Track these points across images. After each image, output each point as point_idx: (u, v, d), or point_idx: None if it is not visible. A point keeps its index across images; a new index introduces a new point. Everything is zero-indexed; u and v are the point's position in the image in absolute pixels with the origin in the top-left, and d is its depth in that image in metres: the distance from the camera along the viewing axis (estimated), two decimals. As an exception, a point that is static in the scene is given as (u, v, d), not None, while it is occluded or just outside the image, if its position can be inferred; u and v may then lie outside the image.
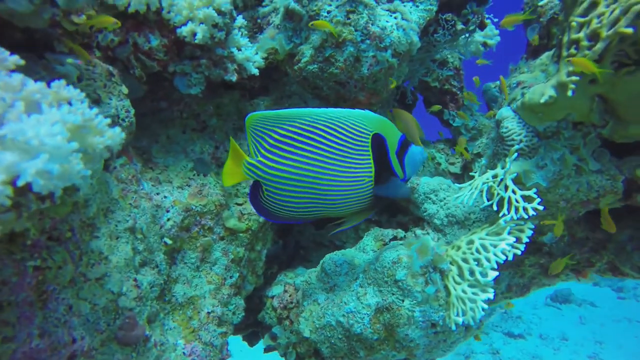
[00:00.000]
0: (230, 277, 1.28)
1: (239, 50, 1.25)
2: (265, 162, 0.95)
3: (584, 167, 1.08)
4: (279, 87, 1.47)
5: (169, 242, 1.10)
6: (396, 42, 1.23)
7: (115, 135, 0.66)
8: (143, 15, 1.08)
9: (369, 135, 0.95)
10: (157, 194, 1.14)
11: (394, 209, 1.62)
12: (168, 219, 1.11)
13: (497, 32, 1.90)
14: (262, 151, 0.96)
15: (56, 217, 0.74)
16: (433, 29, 1.45)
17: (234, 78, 1.23)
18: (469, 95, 1.58)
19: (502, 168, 1.12)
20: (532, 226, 1.11)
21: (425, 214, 1.35)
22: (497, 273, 1.01)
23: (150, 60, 1.12)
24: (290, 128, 0.93)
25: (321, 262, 1.35)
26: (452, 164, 1.83)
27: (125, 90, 1.04)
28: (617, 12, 0.89)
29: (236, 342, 1.65)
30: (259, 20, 1.44)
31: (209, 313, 1.14)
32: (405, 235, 1.37)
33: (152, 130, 1.35)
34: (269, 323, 1.42)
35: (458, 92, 1.91)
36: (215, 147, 1.42)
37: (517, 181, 1.12)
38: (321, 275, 1.32)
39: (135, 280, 0.92)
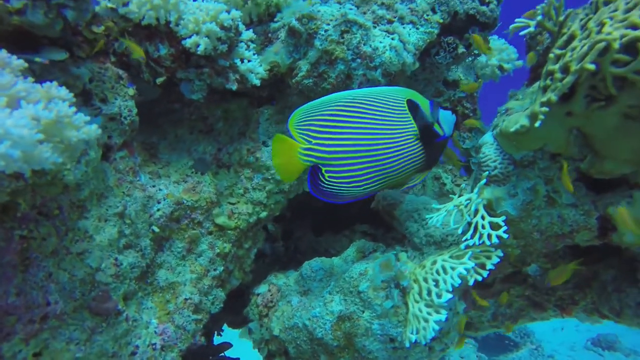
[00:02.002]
0: (214, 270, 1.38)
1: (242, 61, 1.36)
2: (322, 142, 1.02)
3: (557, 200, 1.07)
4: (283, 97, 1.57)
5: (157, 230, 1.21)
6: (387, 62, 1.28)
7: (91, 131, 0.78)
8: (155, 27, 1.22)
9: (403, 101, 1.04)
10: (153, 186, 1.27)
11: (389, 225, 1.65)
12: (158, 210, 1.23)
13: (515, 56, 1.88)
14: (315, 134, 1.02)
15: (47, 195, 0.88)
16: (435, 51, 1.48)
17: (234, 87, 1.34)
18: (471, 121, 1.58)
19: (476, 193, 1.13)
20: (501, 254, 1.10)
21: (406, 231, 1.38)
22: (451, 295, 1.02)
23: (158, 67, 1.26)
24: (332, 111, 1.01)
25: (301, 266, 1.41)
26: (459, 185, 1.83)
27: (131, 92, 1.19)
28: (585, 47, 0.89)
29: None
30: (270, 35, 1.54)
31: (186, 299, 1.25)
32: (384, 250, 1.40)
33: (163, 129, 1.50)
34: (251, 318, 1.51)
35: (471, 114, 1.90)
36: (218, 149, 1.53)
37: (488, 207, 1.12)
38: (298, 278, 1.39)
39: (115, 259, 1.05)
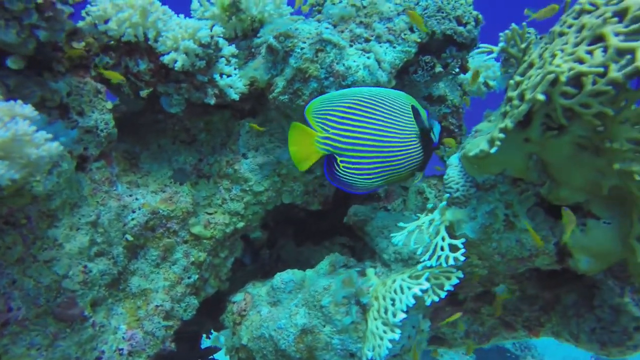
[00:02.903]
0: (189, 278, 1.41)
1: (222, 76, 1.40)
2: (338, 132, 1.07)
3: (516, 224, 1.08)
4: (264, 111, 1.60)
5: (130, 238, 1.26)
6: (360, 81, 1.30)
7: (52, 148, 0.83)
8: (135, 43, 1.26)
9: (409, 105, 1.11)
10: (130, 195, 1.32)
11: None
12: (132, 219, 1.28)
13: (500, 73, 1.89)
14: (332, 124, 1.08)
15: (13, 206, 0.93)
16: (414, 69, 1.50)
17: (212, 101, 1.38)
18: (448, 140, 1.59)
19: (439, 214, 1.15)
20: (461, 275, 1.12)
21: (376, 247, 1.39)
22: (405, 315, 1.04)
23: (138, 81, 1.31)
24: (348, 104, 1.07)
25: (273, 277, 1.44)
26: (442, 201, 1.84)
27: (109, 105, 1.23)
28: (538, 77, 0.91)
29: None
30: (252, 50, 1.58)
31: (157, 306, 1.29)
32: (354, 265, 1.42)
33: (147, 139, 1.55)
34: (226, 326, 1.54)
35: (456, 130, 1.91)
36: (200, 159, 1.58)
37: (450, 229, 1.14)
38: (270, 289, 1.42)
39: (85, 267, 1.09)
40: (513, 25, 1.10)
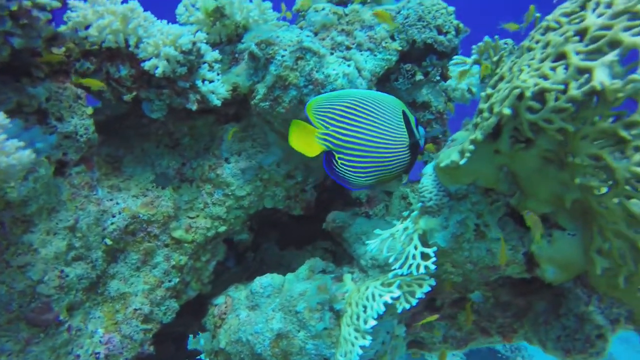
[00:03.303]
0: (169, 281, 1.43)
1: (204, 82, 1.42)
2: (337, 130, 1.12)
3: (487, 234, 1.10)
4: (248, 116, 1.62)
5: (109, 242, 1.27)
6: (339, 89, 1.32)
7: (23, 157, 0.84)
8: (116, 49, 1.27)
9: (400, 111, 1.17)
10: (111, 199, 1.33)
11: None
12: (112, 223, 1.29)
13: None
14: (332, 122, 1.12)
15: (-13, 212, 0.94)
16: (395, 77, 1.52)
17: (194, 107, 1.40)
18: (428, 146, 1.61)
19: (412, 222, 1.17)
20: (433, 282, 1.14)
21: (354, 253, 1.41)
22: (375, 322, 1.06)
23: (120, 87, 1.32)
24: (348, 104, 1.12)
25: (253, 281, 1.46)
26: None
27: (89, 111, 1.25)
28: (506, 91, 0.92)
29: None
30: (236, 55, 1.59)
31: (136, 310, 1.30)
32: (332, 270, 1.44)
33: (130, 142, 1.56)
34: (208, 328, 1.56)
35: (440, 136, 1.93)
36: (183, 163, 1.59)
37: (423, 237, 1.16)
38: (248, 293, 1.43)
39: (61, 272, 1.10)
40: (486, 38, 1.11)
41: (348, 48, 1.42)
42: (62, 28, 1.24)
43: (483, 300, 1.36)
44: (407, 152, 1.18)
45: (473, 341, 1.57)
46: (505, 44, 1.32)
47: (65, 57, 1.22)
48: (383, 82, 1.52)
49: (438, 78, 1.55)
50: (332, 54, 1.40)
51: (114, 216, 1.30)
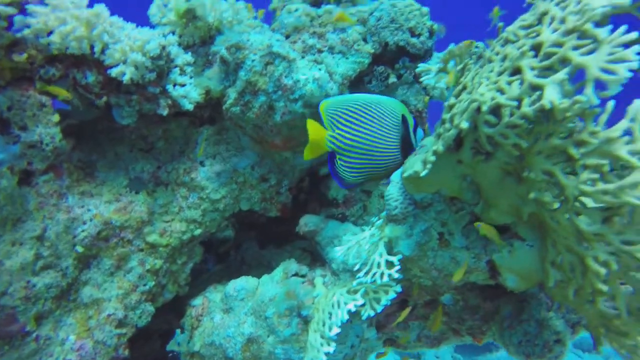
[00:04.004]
0: (144, 285, 1.44)
1: (175, 87, 1.40)
2: (341, 133, 1.20)
3: (450, 242, 1.11)
4: (221, 119, 1.61)
5: (80, 249, 1.28)
6: (308, 94, 1.31)
7: (-22, 175, 0.83)
8: (81, 55, 1.26)
9: (399, 114, 1.25)
10: (82, 206, 1.33)
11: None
12: (83, 230, 1.29)
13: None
14: (338, 124, 1.20)
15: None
16: (369, 79, 1.51)
17: (165, 112, 1.39)
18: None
19: (378, 230, 1.18)
20: (399, 289, 1.15)
21: (327, 257, 1.43)
22: (339, 330, 1.08)
23: (87, 93, 1.30)
24: (354, 108, 1.20)
25: (227, 284, 1.47)
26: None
27: (55, 118, 1.23)
28: (465, 104, 0.92)
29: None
30: (210, 57, 1.58)
31: (109, 315, 1.32)
32: (306, 274, 1.45)
33: (103, 147, 1.55)
34: (185, 329, 1.58)
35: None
36: (158, 167, 1.59)
37: (389, 245, 1.17)
38: (223, 296, 1.45)
39: (28, 282, 1.11)
40: (451, 46, 1.10)
41: (320, 51, 1.41)
42: (27, 31, 1.22)
43: (453, 302, 1.38)
44: (399, 152, 1.25)
45: (446, 340, 1.60)
46: (477, 47, 1.31)
47: (29, 63, 1.20)
48: (357, 84, 1.52)
49: (412, 80, 1.54)
50: (303, 57, 1.39)
51: (85, 223, 1.31)
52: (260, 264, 1.95)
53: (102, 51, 1.26)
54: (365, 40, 1.44)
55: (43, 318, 1.16)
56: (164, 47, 1.35)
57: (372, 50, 1.44)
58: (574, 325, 1.15)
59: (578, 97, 0.73)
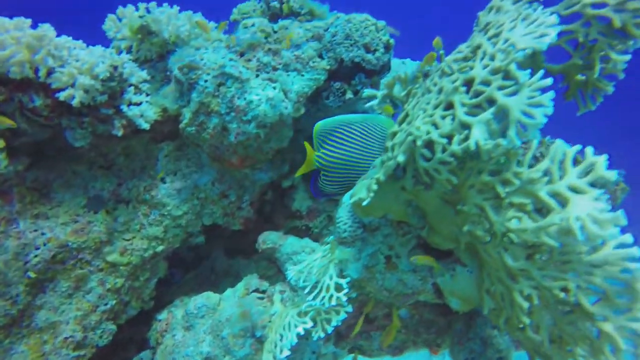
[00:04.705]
0: (105, 305, 1.44)
1: (129, 106, 1.39)
2: (326, 152, 1.31)
3: (398, 265, 1.13)
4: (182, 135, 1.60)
5: (33, 275, 1.27)
6: (261, 115, 1.31)
7: None
8: (26, 79, 1.23)
9: (386, 131, 1.31)
10: (35, 230, 1.32)
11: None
12: (35, 256, 1.29)
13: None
14: (325, 145, 1.31)
15: None
16: (326, 95, 1.51)
17: (120, 133, 1.37)
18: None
19: (328, 252, 1.19)
20: (350, 309, 1.18)
21: (286, 273, 1.44)
22: (288, 352, 1.10)
23: (35, 117, 1.28)
24: (338, 128, 1.30)
25: (189, 301, 1.48)
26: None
27: (0, 144, 1.21)
28: (404, 135, 0.93)
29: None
30: (168, 73, 1.56)
31: (66, 338, 1.32)
32: (266, 289, 1.47)
33: (60, 166, 1.53)
34: (151, 344, 1.59)
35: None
36: (119, 184, 1.57)
37: (339, 267, 1.18)
38: (184, 313, 1.46)
39: (-23, 313, 1.10)
40: (398, 73, 1.11)
41: (274, 69, 1.40)
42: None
43: (409, 316, 1.42)
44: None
45: (407, 349, 1.64)
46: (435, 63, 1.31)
47: (-29, 89, 1.18)
48: (315, 99, 1.51)
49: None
50: (257, 76, 1.38)
51: (37, 248, 1.30)
52: (228, 273, 1.96)
53: (48, 74, 1.24)
54: (320, 56, 1.43)
55: (-6, 347, 1.17)
56: (115, 68, 1.33)
57: (328, 67, 1.43)
58: (516, 343, 1.19)
59: (499, 141, 0.75)
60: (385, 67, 1.49)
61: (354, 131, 1.30)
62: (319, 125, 1.31)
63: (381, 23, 1.46)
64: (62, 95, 1.23)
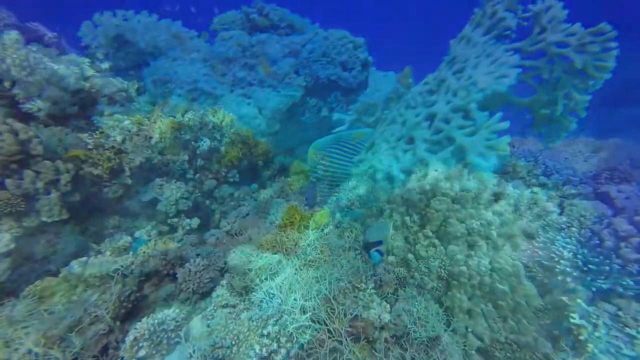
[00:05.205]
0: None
1: (102, 117, 1.36)
2: (321, 167, 1.31)
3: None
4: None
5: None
6: (234, 133, 1.30)
7: None
8: (-6, 90, 1.21)
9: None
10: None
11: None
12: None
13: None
14: (321, 161, 1.31)
15: None
16: (302, 111, 1.50)
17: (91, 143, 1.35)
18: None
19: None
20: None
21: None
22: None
23: (2, 127, 1.25)
24: (332, 147, 1.30)
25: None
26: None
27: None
28: (367, 165, 0.93)
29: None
30: (142, 84, 1.53)
31: None
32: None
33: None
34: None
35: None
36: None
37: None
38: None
39: None
40: (363, 99, 1.10)
41: (250, 84, 1.39)
42: None
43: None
44: None
45: None
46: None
47: None
48: (292, 114, 1.50)
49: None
50: (232, 91, 1.37)
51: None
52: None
53: (13, 84, 1.21)
54: (297, 72, 1.42)
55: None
56: (87, 79, 1.31)
57: (304, 83, 1.42)
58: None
59: (454, 184, 0.75)
60: (362, 85, 1.48)
61: (340, 147, 1.33)
62: (315, 144, 1.33)
63: (359, 40, 1.46)
64: (27, 106, 1.21)
